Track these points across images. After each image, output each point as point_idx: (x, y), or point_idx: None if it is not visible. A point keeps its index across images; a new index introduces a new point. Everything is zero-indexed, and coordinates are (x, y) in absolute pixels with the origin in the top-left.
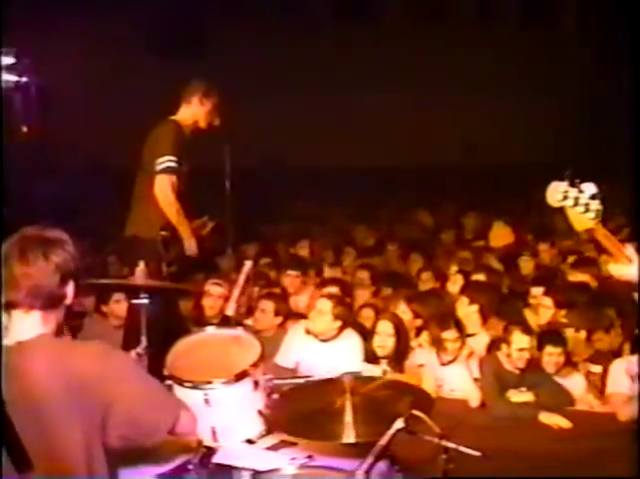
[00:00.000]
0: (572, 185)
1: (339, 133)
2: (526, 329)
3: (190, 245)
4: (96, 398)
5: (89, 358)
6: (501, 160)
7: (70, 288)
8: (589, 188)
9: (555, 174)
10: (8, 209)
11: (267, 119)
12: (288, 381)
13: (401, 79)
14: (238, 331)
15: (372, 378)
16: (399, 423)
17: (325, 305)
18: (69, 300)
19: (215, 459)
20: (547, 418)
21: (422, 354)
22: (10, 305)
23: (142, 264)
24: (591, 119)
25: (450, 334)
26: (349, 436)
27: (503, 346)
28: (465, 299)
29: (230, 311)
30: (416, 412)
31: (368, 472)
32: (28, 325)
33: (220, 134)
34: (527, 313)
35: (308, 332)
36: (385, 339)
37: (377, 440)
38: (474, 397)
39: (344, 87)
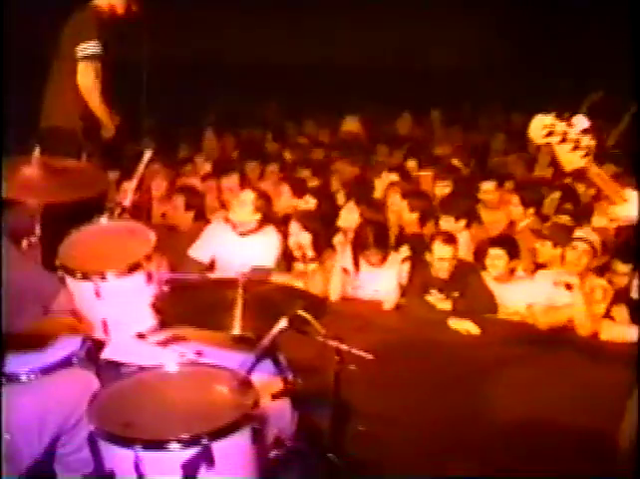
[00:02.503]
0: (560, 118)
1: (275, 28)
2: (447, 239)
3: (108, 131)
4: None
5: None
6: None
7: None
8: (580, 121)
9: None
10: None
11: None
12: (182, 276)
13: None
14: (133, 223)
15: (267, 280)
16: (283, 323)
17: (248, 196)
18: None
19: (103, 354)
20: (457, 324)
21: (347, 256)
22: None
23: (36, 151)
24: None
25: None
26: (237, 329)
27: (427, 255)
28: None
29: (127, 202)
30: (301, 313)
31: (250, 371)
32: None
33: (141, 22)
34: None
35: (227, 221)
36: (299, 239)
37: (264, 335)
38: (389, 299)
39: None
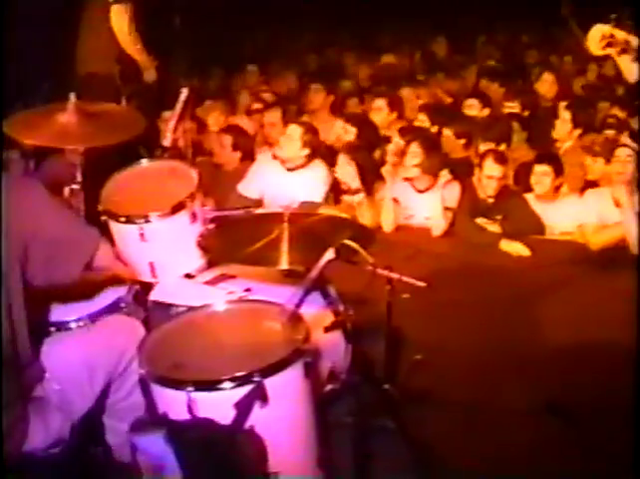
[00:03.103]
0: (620, 26)
1: None
2: (499, 158)
3: (150, 74)
4: (15, 231)
5: (7, 193)
6: None
7: None
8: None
9: None
10: None
11: None
12: (227, 213)
13: None
14: (174, 163)
15: (313, 213)
16: (329, 254)
17: (295, 131)
18: None
19: (151, 296)
20: (507, 245)
21: (396, 186)
22: None
23: (72, 98)
24: None
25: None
26: (284, 263)
27: (476, 171)
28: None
29: (167, 142)
30: (347, 242)
31: (298, 305)
32: None
33: None
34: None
35: (275, 158)
36: (345, 171)
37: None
38: (437, 226)
39: None
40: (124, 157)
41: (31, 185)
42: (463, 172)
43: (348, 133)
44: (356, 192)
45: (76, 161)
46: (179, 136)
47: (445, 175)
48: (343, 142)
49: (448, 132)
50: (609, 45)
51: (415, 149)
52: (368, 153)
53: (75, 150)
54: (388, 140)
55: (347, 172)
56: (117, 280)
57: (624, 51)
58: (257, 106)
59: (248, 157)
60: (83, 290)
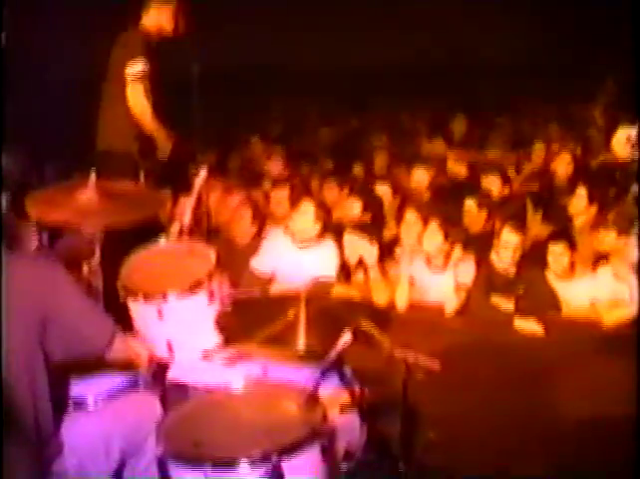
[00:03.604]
0: None
1: (317, 33)
2: (516, 227)
3: (166, 151)
4: (34, 306)
5: (29, 268)
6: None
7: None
8: None
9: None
10: None
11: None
12: (243, 292)
13: None
14: (192, 242)
15: (329, 294)
16: (347, 336)
17: (308, 206)
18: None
19: (169, 375)
20: (522, 323)
21: (413, 265)
22: None
23: (92, 177)
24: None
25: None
26: (301, 344)
27: (495, 242)
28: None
29: (186, 221)
30: (365, 325)
31: (316, 387)
32: None
33: (189, 39)
34: None
35: (287, 232)
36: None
37: (330, 350)
38: (450, 303)
39: None
40: (142, 235)
41: (51, 265)
42: (480, 246)
43: (354, 208)
44: (370, 269)
45: (94, 237)
46: (198, 215)
47: (458, 251)
48: (350, 219)
49: (470, 202)
50: (635, 146)
51: (434, 229)
52: (378, 229)
53: (93, 227)
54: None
55: (362, 248)
56: (131, 367)
57: None
58: (265, 183)
59: (261, 231)
60: (100, 367)
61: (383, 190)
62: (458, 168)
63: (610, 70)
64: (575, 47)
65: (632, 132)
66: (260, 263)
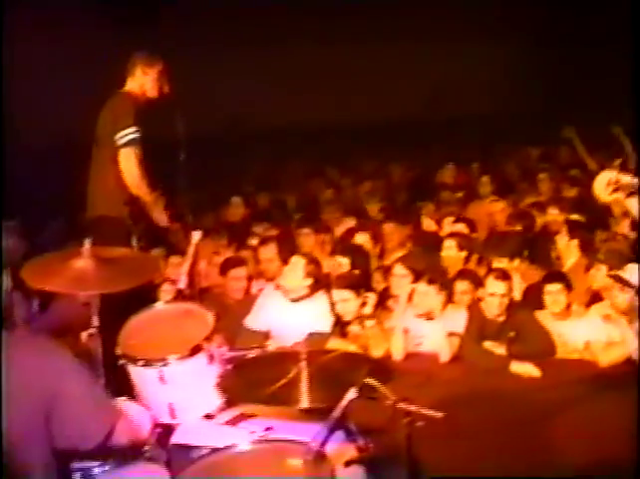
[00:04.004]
0: (624, 172)
1: (295, 88)
2: (501, 276)
3: (161, 217)
4: (37, 393)
5: (30, 355)
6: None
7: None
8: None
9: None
10: None
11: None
12: (243, 352)
13: (362, 27)
14: (189, 305)
15: (328, 349)
16: (351, 393)
17: (298, 262)
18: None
19: (173, 439)
20: (518, 367)
21: (406, 315)
22: None
23: (87, 244)
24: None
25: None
26: (304, 402)
27: (480, 291)
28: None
29: (182, 284)
30: (369, 381)
31: (323, 444)
32: None
33: (172, 101)
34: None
35: (278, 288)
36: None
37: (333, 406)
38: (444, 352)
39: (300, 37)
40: (138, 298)
41: (54, 348)
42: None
43: (342, 265)
44: (365, 319)
45: (90, 303)
46: (193, 278)
47: (442, 300)
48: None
49: (450, 242)
50: (616, 190)
51: (423, 288)
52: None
53: (90, 295)
54: (388, 269)
55: (354, 302)
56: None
57: (632, 194)
58: (253, 241)
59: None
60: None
61: (362, 239)
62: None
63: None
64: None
65: (613, 175)
66: (254, 321)
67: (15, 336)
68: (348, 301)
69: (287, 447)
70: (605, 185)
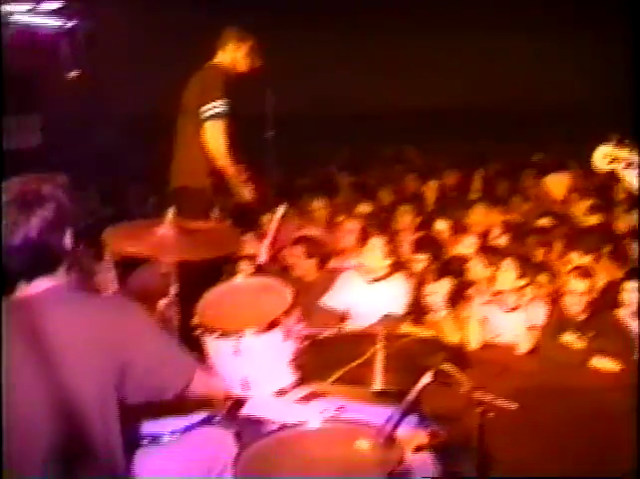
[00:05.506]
0: (620, 145)
1: (387, 73)
2: (583, 273)
3: (244, 192)
4: (111, 353)
5: (105, 312)
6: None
7: (67, 239)
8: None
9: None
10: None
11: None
12: (320, 330)
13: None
14: (269, 279)
15: (406, 332)
16: (427, 378)
17: (377, 242)
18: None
19: (244, 411)
20: (597, 362)
21: (484, 307)
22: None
23: (170, 213)
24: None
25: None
26: (378, 384)
27: (561, 286)
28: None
29: (262, 260)
30: (445, 367)
31: (395, 428)
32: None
33: (262, 77)
34: None
35: (358, 268)
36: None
37: (406, 390)
38: (522, 343)
39: (390, 27)
40: (218, 271)
41: (129, 306)
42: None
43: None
44: (444, 308)
45: (170, 272)
46: (274, 254)
47: (529, 293)
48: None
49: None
50: (612, 162)
51: (506, 270)
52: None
53: (170, 261)
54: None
55: (436, 288)
56: (210, 404)
57: (628, 165)
58: (341, 218)
59: (323, 264)
60: (176, 409)
61: (441, 226)
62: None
63: None
64: None
65: (608, 149)
66: (332, 300)
67: (91, 297)
68: (436, 291)
69: (357, 428)
70: (602, 156)
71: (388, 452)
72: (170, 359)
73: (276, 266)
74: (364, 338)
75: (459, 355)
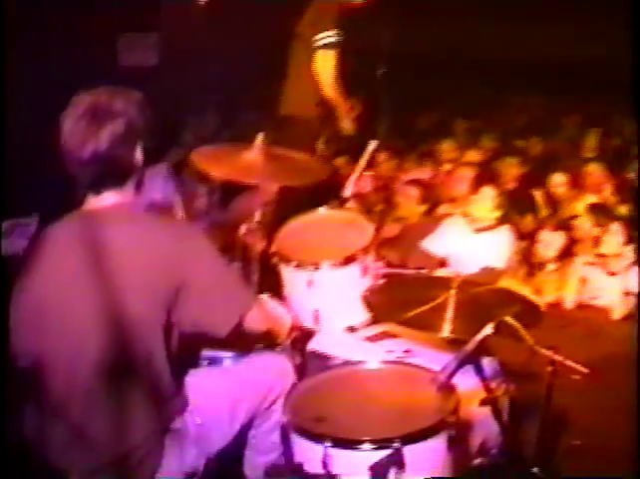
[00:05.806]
0: None
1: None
2: None
3: (348, 124)
4: (167, 274)
5: (166, 235)
6: None
7: (137, 155)
8: None
9: None
10: None
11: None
12: (398, 271)
13: None
14: (352, 214)
15: (483, 282)
16: (488, 329)
17: (488, 192)
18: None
19: (310, 345)
20: None
21: (586, 267)
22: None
23: (260, 138)
24: None
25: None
26: (447, 331)
27: None
28: None
29: (348, 193)
30: (508, 319)
31: (450, 376)
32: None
33: (378, 12)
34: None
35: (464, 216)
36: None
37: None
38: (617, 308)
39: None
40: (304, 200)
41: (192, 231)
42: None
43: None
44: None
45: (267, 199)
46: (360, 188)
47: (631, 257)
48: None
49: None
50: None
51: (613, 234)
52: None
53: (268, 188)
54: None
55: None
56: (269, 338)
57: None
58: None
59: (431, 211)
60: (232, 343)
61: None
62: None
63: None
64: None
65: None
66: (432, 245)
67: (155, 218)
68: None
69: (418, 373)
70: None
71: (444, 400)
72: (226, 290)
73: (376, 200)
74: (439, 283)
75: (532, 310)
